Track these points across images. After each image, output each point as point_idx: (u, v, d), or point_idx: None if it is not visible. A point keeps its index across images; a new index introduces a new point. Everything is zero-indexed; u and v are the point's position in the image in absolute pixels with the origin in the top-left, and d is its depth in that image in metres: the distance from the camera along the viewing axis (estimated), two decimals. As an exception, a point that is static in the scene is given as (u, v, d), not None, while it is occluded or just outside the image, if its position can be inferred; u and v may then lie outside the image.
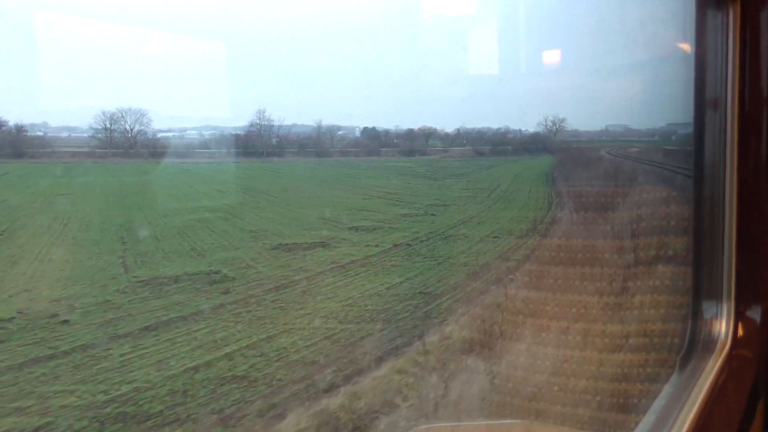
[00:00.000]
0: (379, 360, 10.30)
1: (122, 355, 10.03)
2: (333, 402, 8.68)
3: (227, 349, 10.46)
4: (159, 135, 26.33)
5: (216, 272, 14.27)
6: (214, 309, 12.17)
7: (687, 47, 3.35)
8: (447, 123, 31.41)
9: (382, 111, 30.36)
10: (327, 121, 29.27)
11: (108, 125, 24.72)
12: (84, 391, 8.84)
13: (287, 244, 17.10)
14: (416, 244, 18.06)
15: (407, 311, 12.70)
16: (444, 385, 9.00)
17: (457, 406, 9.01)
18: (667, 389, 2.80)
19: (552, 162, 28.99)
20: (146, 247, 16.03)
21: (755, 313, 2.94)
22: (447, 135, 33.76)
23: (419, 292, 13.82)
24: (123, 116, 24.48)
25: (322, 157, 30.58)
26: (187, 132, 27.19)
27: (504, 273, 14.76)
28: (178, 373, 9.56)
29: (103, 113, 24.10)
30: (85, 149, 25.12)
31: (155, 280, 13.49)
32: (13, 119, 23.03)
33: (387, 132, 32.15)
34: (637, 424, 2.70)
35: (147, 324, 11.25)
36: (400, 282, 14.46)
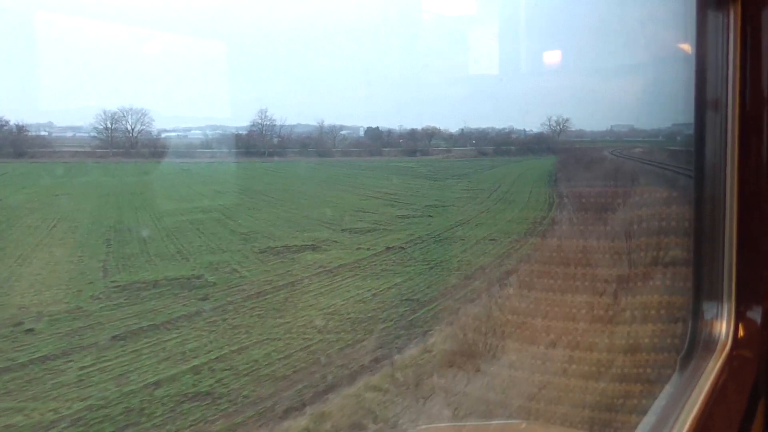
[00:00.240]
0: (354, 375, 9.47)
1: (82, 368, 9.27)
2: (297, 425, 7.86)
3: (195, 362, 9.67)
4: (163, 135, 25.91)
5: (197, 277, 13.51)
6: (189, 317, 11.39)
7: (690, 47, 3.21)
8: (450, 123, 30.67)
9: (384, 111, 29.76)
10: (330, 120, 28.65)
11: (109, 125, 24.21)
12: (32, 409, 8.08)
13: (276, 247, 16.32)
14: (410, 247, 17.21)
15: (391, 320, 11.86)
16: (416, 406, 8.17)
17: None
18: (667, 389, 2.74)
19: (555, 162, 28.14)
20: (132, 250, 15.30)
21: (756, 314, 2.89)
22: (450, 135, 33.02)
23: (406, 299, 12.97)
24: (124, 116, 23.94)
25: (323, 157, 29.84)
26: (192, 132, 26.71)
27: (497, 278, 13.89)
28: (138, 389, 8.78)
29: (104, 113, 23.59)
30: (87, 149, 24.68)
31: (133, 285, 12.75)
32: (14, 119, 22.57)
33: (390, 132, 31.44)
34: (637, 424, 2.58)
35: (115, 333, 10.49)
36: (388, 288, 13.62)
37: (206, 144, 26.53)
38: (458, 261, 16.01)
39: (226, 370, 9.49)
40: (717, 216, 2.94)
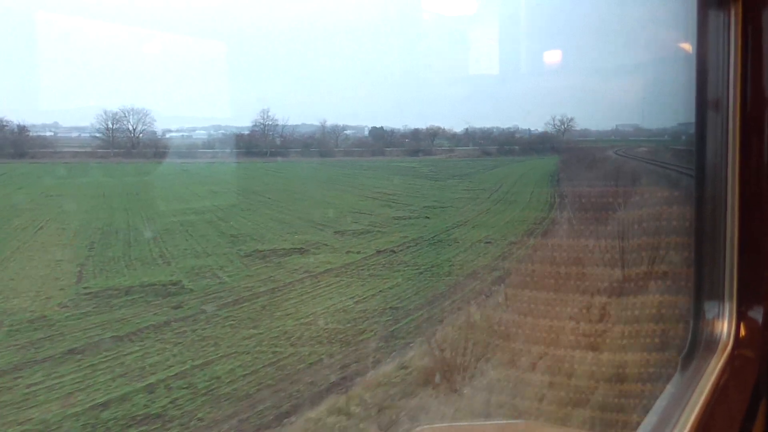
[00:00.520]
0: (321, 395, 8.52)
1: (30, 385, 8.41)
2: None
3: (152, 378, 8.78)
4: (168, 135, 25.25)
5: (174, 283, 12.63)
6: (157, 327, 10.51)
7: (691, 47, 3.11)
8: (454, 123, 29.72)
9: (388, 111, 29.00)
10: (334, 120, 27.83)
11: (110, 125, 23.53)
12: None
13: (263, 251, 15.41)
14: (402, 250, 16.23)
15: (371, 330, 10.90)
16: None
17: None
18: (668, 389, 2.63)
19: (558, 162, 27.11)
20: (114, 253, 14.46)
21: (757, 314, 2.84)
22: (455, 135, 32.04)
23: (391, 307, 12.01)
24: (125, 116, 23.24)
25: (325, 157, 28.97)
26: (197, 132, 25.99)
27: (488, 285, 12.89)
28: (83, 410, 7.89)
29: (105, 113, 22.92)
30: (88, 149, 24.03)
31: (105, 292, 11.90)
32: (16, 119, 21.96)
33: (393, 131, 30.52)
34: (638, 424, 2.39)
35: (74, 345, 9.63)
36: (373, 295, 12.66)
37: (208, 144, 25.83)
38: (450, 265, 14.99)
39: (184, 388, 8.58)
40: (718, 216, 2.86)
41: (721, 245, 2.86)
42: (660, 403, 2.47)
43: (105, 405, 8.03)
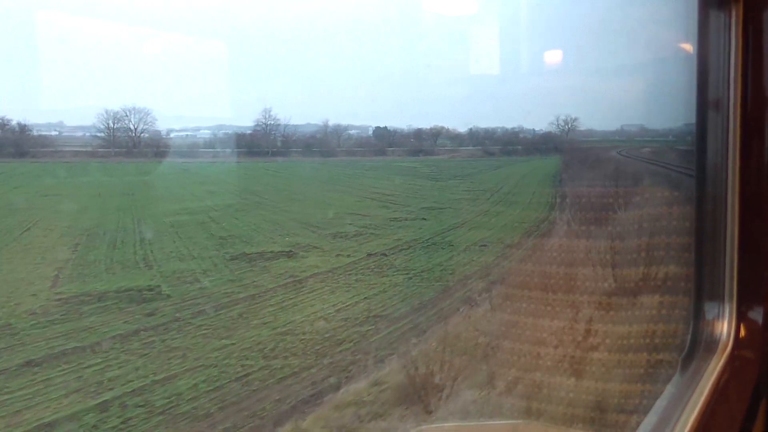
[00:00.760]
0: (286, 415, 7.74)
1: (-23, 402, 7.71)
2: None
3: (108, 395, 8.04)
4: (173, 134, 24.72)
5: (151, 288, 11.90)
6: (125, 337, 9.79)
7: (692, 47, 3.01)
8: (458, 123, 28.89)
9: (390, 111, 28.26)
10: (338, 120, 27.12)
11: (111, 124, 22.96)
12: None
13: (250, 254, 14.65)
14: (393, 253, 15.40)
15: (351, 341, 10.11)
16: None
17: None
18: (669, 389, 2.62)
19: (560, 162, 26.17)
20: (97, 256, 13.77)
21: (757, 314, 2.78)
22: (458, 135, 31.20)
23: (374, 316, 11.20)
24: (127, 115, 22.66)
25: (327, 157, 28.24)
26: (201, 131, 25.41)
27: (477, 292, 12.06)
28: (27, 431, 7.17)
29: (106, 112, 22.36)
30: (89, 149, 23.49)
31: (77, 298, 11.18)
32: (17, 118, 21.47)
33: (395, 131, 29.73)
34: (638, 424, 2.40)
35: (33, 357, 8.92)
36: (357, 302, 11.86)
37: (210, 144, 25.24)
38: (441, 270, 14.15)
39: (140, 406, 7.84)
40: (718, 216, 2.83)
41: (721, 245, 2.81)
42: (660, 403, 2.43)
43: (52, 425, 7.30)
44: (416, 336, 10.06)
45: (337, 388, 8.55)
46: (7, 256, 13.36)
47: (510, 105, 26.83)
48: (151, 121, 23.04)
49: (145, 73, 21.74)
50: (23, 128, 22.33)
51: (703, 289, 2.88)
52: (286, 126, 26.17)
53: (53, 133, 23.72)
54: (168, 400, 8.01)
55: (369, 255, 15.07)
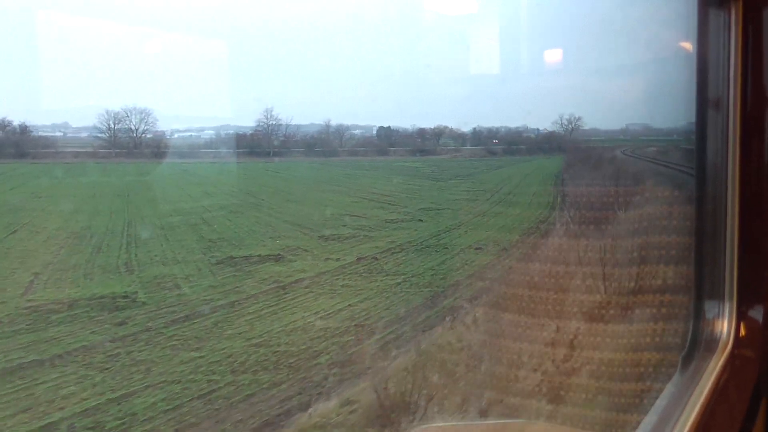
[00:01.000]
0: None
1: None
2: None
3: (57, 416, 7.30)
4: (177, 134, 24.21)
5: (126, 296, 11.17)
6: (89, 349, 9.06)
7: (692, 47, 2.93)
8: (459, 122, 28.08)
9: (393, 110, 27.67)
10: (342, 120, 26.48)
11: (112, 125, 22.41)
12: None
13: (237, 257, 13.90)
14: (385, 257, 14.58)
15: (328, 353, 9.31)
16: None
17: None
18: (669, 389, 2.56)
19: (562, 162, 25.26)
20: (78, 260, 13.09)
21: (757, 313, 2.73)
22: (461, 134, 30.36)
23: (356, 325, 10.40)
24: (127, 116, 22.09)
25: (329, 157, 27.53)
26: (205, 131, 24.84)
27: (466, 299, 11.24)
28: (-41, 459, 6.45)
29: (107, 113, 21.83)
30: (90, 149, 22.97)
31: (47, 306, 10.48)
32: (19, 119, 21.01)
33: (398, 131, 28.94)
34: (639, 423, 2.34)
35: (-14, 372, 8.21)
36: (340, 309, 11.07)
37: (212, 144, 24.65)
38: (432, 275, 13.30)
39: (88, 429, 7.08)
40: (718, 216, 2.75)
41: (721, 245, 2.77)
42: (660, 403, 2.40)
43: (-12, 451, 6.58)
44: (397, 348, 9.25)
45: (305, 407, 7.75)
46: (-15, 261, 12.72)
47: (511, 105, 26.07)
48: (152, 122, 22.50)
49: (147, 73, 21.22)
50: (24, 129, 21.86)
51: (703, 289, 2.82)
52: (288, 126, 25.58)
53: (58, 134, 23.26)
54: (120, 422, 7.26)
55: (359, 259, 14.26)
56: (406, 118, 27.54)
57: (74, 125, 23.37)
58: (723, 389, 2.43)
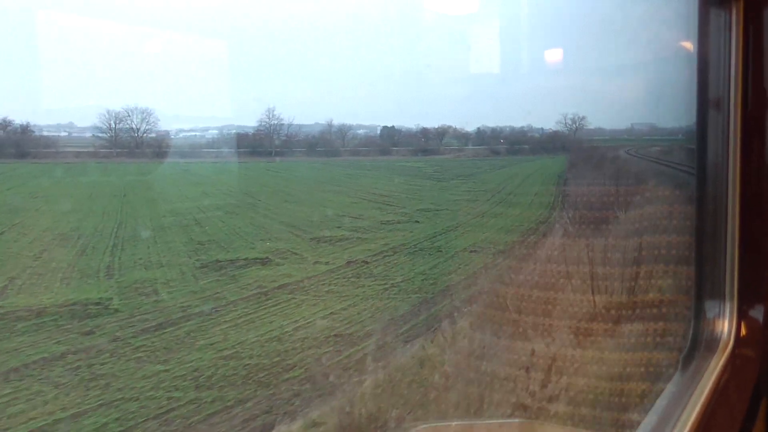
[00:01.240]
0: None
1: None
2: None
3: (-1, 438, 6.60)
4: (181, 134, 23.66)
5: (100, 302, 10.49)
6: (50, 360, 8.36)
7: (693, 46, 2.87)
8: (461, 122, 27.26)
9: (392, 110, 27.00)
10: (339, 120, 25.81)
11: (113, 125, 21.87)
12: None
13: (223, 261, 13.19)
14: (376, 260, 13.79)
15: (302, 367, 8.54)
16: None
17: None
18: (669, 389, 2.51)
19: (565, 161, 24.34)
20: (58, 263, 12.44)
21: (758, 313, 2.68)
22: (465, 134, 29.51)
23: (335, 335, 9.62)
24: (129, 115, 21.53)
25: (331, 157, 26.83)
26: (209, 131, 24.27)
27: (456, 307, 10.40)
28: None
29: (108, 112, 21.29)
30: (91, 149, 22.47)
31: (15, 313, 9.81)
32: (21, 119, 20.56)
33: (401, 131, 28.16)
34: (639, 423, 2.31)
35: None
36: (322, 317, 10.29)
37: (215, 143, 24.06)
38: (422, 279, 12.49)
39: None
40: (719, 215, 2.70)
41: (721, 245, 2.70)
42: (660, 403, 2.37)
43: None
44: (375, 361, 8.44)
45: (269, 428, 6.99)
46: (-37, 265, 12.11)
47: (512, 104, 25.25)
48: (153, 121, 21.93)
49: (148, 73, 20.69)
50: (25, 129, 21.38)
51: (703, 288, 2.79)
52: (289, 126, 24.96)
53: (63, 134, 22.81)
54: (64, 446, 6.56)
55: (349, 262, 13.48)
56: (407, 118, 26.84)
57: (79, 125, 22.94)
58: (723, 389, 2.41)
